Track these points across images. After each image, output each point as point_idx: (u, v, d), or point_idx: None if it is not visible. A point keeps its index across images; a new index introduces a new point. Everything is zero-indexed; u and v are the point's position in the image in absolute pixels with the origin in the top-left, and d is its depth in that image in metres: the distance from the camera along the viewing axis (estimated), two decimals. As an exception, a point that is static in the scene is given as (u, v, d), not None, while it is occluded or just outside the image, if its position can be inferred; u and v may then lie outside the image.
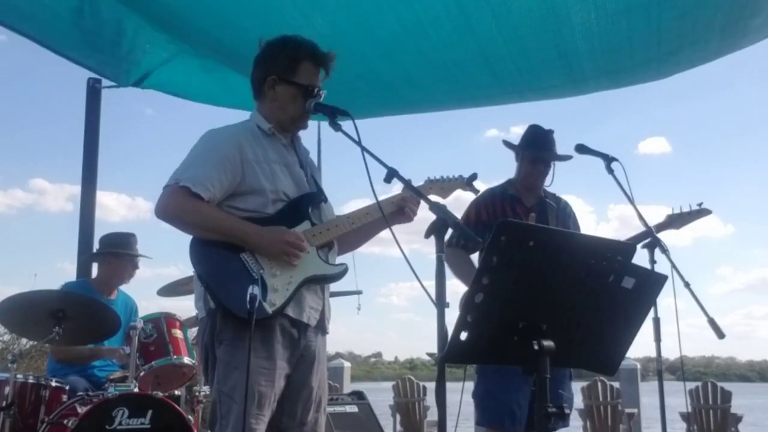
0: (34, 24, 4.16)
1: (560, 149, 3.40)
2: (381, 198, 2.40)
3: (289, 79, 2.43)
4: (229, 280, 2.22)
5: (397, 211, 2.53)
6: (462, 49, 4.24)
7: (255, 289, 2.11)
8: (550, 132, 3.42)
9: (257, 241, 2.27)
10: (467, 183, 2.69)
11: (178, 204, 2.27)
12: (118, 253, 4.12)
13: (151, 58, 4.66)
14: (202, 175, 2.28)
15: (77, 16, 4.11)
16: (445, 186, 2.66)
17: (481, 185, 3.47)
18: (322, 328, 2.43)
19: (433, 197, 2.56)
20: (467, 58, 4.37)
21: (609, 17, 3.88)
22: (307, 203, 2.43)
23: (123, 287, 4.28)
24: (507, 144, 3.51)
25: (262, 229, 2.29)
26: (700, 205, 3.24)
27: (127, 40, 4.46)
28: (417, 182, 2.59)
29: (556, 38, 4.10)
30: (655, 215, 3.25)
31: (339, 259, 2.56)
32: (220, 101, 5.14)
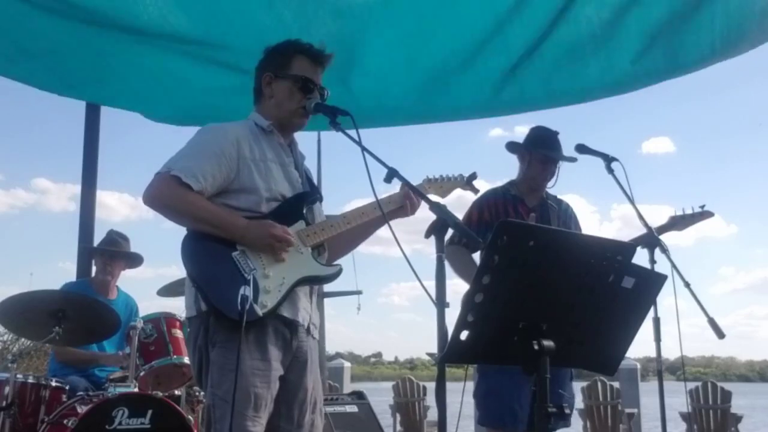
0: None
1: (564, 151, 3.40)
2: (380, 197, 2.38)
3: (283, 74, 2.44)
4: (220, 281, 2.19)
5: (397, 209, 2.51)
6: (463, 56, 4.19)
7: (246, 291, 2.09)
8: (556, 133, 3.42)
9: (244, 233, 2.25)
10: (467, 182, 2.66)
11: (166, 192, 2.25)
12: (97, 250, 4.20)
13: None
14: (194, 166, 2.26)
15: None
16: (444, 185, 2.63)
17: (486, 185, 3.48)
18: (309, 331, 2.40)
19: (431, 197, 2.55)
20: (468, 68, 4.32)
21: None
22: (301, 202, 2.41)
23: (124, 287, 4.30)
24: (511, 147, 3.49)
25: (249, 223, 2.27)
26: (702, 207, 3.23)
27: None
28: (416, 182, 2.58)
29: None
30: (659, 215, 3.26)
31: (338, 261, 2.56)
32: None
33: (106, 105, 4.79)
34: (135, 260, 4.33)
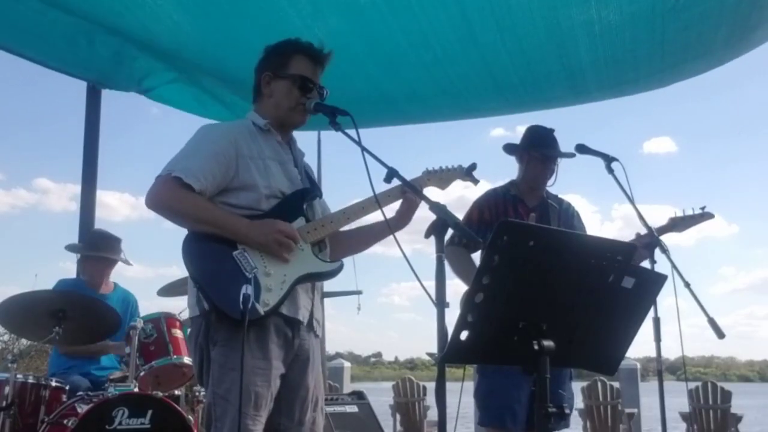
0: (30, 45, 4.24)
1: (562, 149, 3.40)
2: (378, 192, 2.36)
3: (282, 74, 2.43)
4: (222, 280, 2.19)
5: (399, 216, 2.47)
6: (465, 62, 4.25)
7: (248, 289, 2.08)
8: (552, 131, 3.43)
9: (248, 233, 2.24)
10: (466, 173, 2.61)
11: (168, 194, 2.25)
12: (87, 256, 4.18)
13: (150, 81, 4.73)
14: (194, 166, 2.25)
15: (73, 45, 4.18)
16: (444, 176, 2.59)
17: (487, 185, 3.48)
18: (311, 328, 2.39)
19: (431, 189, 2.53)
20: (471, 72, 4.38)
21: (613, 31, 3.88)
22: (301, 199, 2.41)
23: (122, 284, 4.29)
24: (508, 149, 3.50)
25: (253, 222, 2.27)
26: (703, 208, 3.22)
27: (125, 67, 4.53)
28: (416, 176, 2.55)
29: (560, 51, 4.11)
30: (660, 215, 3.25)
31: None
32: (220, 116, 5.13)
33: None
34: (118, 262, 4.26)
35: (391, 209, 2.50)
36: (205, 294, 2.20)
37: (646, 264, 2.88)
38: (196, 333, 2.30)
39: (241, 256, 2.24)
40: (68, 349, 3.94)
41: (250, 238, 2.25)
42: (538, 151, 3.37)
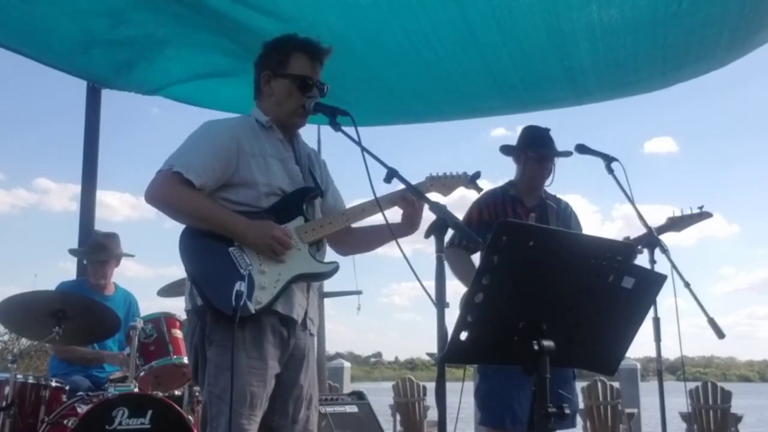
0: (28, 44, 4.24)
1: (563, 149, 3.41)
2: (380, 195, 2.35)
3: (282, 72, 2.42)
4: (216, 276, 2.20)
5: (403, 227, 2.45)
6: (466, 61, 4.25)
7: (242, 286, 2.09)
8: (548, 130, 3.43)
9: (244, 233, 2.24)
10: (470, 181, 2.60)
11: (168, 190, 2.25)
12: (91, 260, 4.18)
13: (156, 77, 4.72)
14: (195, 162, 2.26)
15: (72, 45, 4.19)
16: (447, 183, 2.57)
17: (488, 185, 3.47)
18: (306, 327, 2.39)
19: (434, 195, 2.51)
20: (471, 71, 4.39)
21: (614, 34, 3.89)
22: (301, 198, 2.40)
23: (122, 284, 4.30)
24: (505, 150, 3.50)
25: (250, 222, 2.27)
26: (701, 207, 3.23)
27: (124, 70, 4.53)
28: (419, 181, 2.52)
29: (561, 53, 4.12)
30: (661, 215, 3.24)
31: (340, 260, 2.55)
32: (227, 107, 5.12)
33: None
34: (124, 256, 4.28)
35: (398, 214, 2.48)
36: (199, 289, 2.21)
37: (646, 264, 2.88)
38: (191, 332, 2.30)
39: (237, 252, 2.24)
40: (64, 355, 3.95)
41: (246, 238, 2.25)
42: (534, 150, 3.37)
